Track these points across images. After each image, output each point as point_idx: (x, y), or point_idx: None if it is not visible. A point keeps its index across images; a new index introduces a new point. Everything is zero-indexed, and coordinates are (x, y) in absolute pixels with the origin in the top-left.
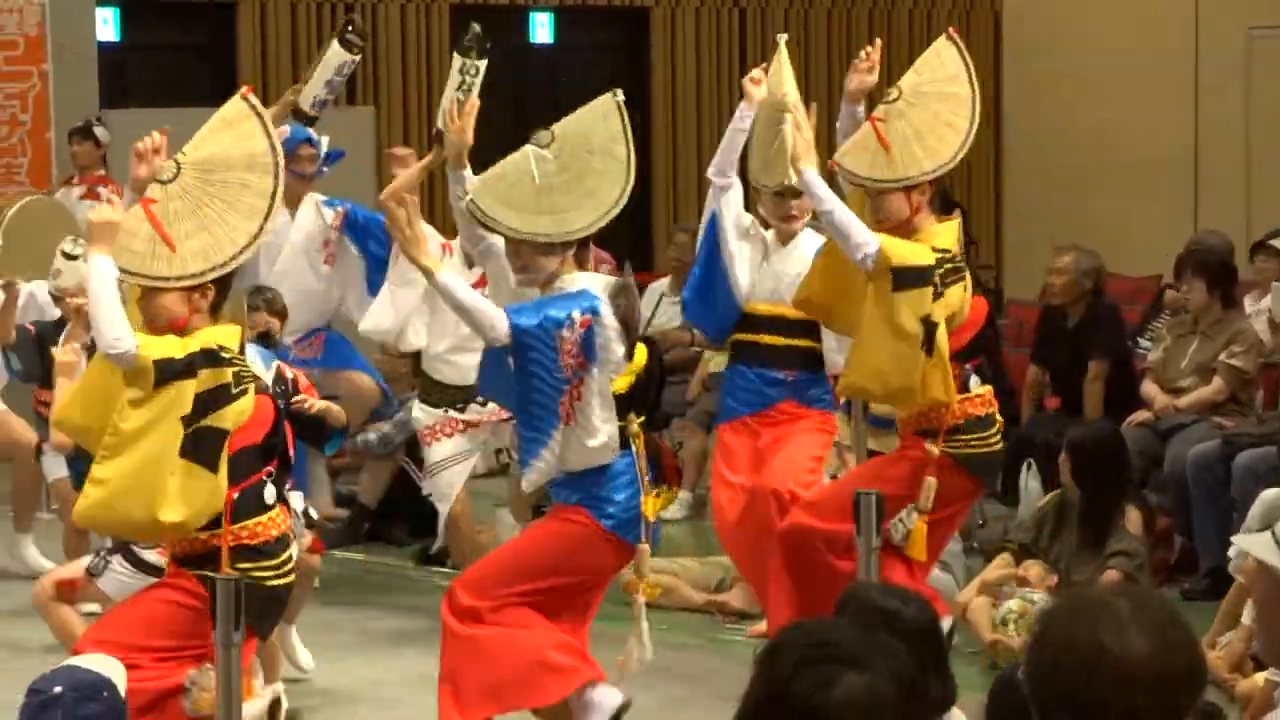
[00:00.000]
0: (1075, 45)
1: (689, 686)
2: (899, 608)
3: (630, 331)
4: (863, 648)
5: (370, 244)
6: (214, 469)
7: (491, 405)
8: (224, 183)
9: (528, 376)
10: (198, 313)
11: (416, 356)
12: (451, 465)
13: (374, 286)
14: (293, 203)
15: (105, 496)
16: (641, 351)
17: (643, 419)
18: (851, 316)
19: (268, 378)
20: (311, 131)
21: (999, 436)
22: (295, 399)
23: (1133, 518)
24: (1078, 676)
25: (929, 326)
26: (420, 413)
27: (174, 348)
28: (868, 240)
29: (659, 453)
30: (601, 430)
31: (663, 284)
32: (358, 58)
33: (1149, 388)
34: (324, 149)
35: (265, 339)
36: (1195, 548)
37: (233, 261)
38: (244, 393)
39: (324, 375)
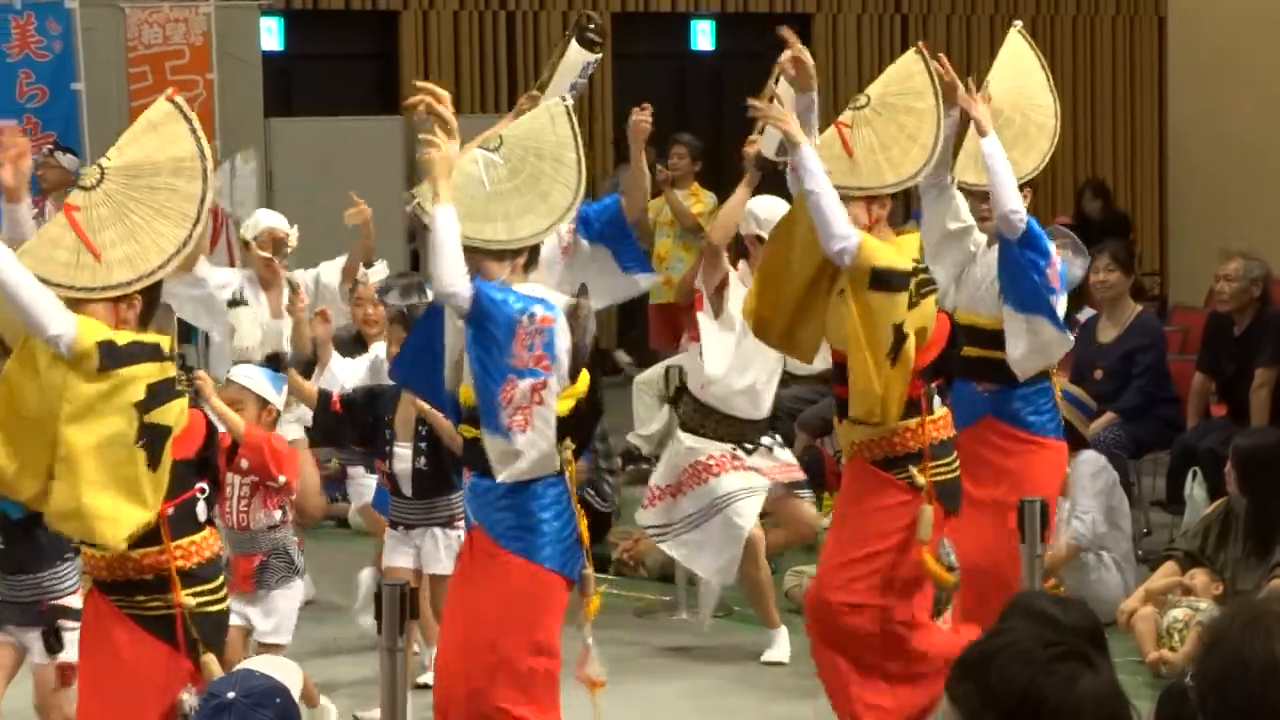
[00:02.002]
0: (1240, 50)
1: None
2: (1062, 614)
3: (577, 354)
4: (1082, 648)
5: (594, 226)
6: (156, 468)
7: (779, 456)
8: (150, 188)
9: (480, 353)
10: (125, 324)
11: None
12: (746, 497)
13: (626, 267)
14: None
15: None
16: (584, 378)
17: (575, 448)
18: (805, 334)
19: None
20: None
21: (957, 460)
22: None
23: None
24: (1250, 687)
25: (899, 335)
26: (695, 443)
27: (115, 335)
28: (849, 235)
29: (820, 458)
30: (547, 440)
31: None
32: (599, 56)
33: None
34: None
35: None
36: None
37: (160, 270)
38: (183, 394)
39: None
